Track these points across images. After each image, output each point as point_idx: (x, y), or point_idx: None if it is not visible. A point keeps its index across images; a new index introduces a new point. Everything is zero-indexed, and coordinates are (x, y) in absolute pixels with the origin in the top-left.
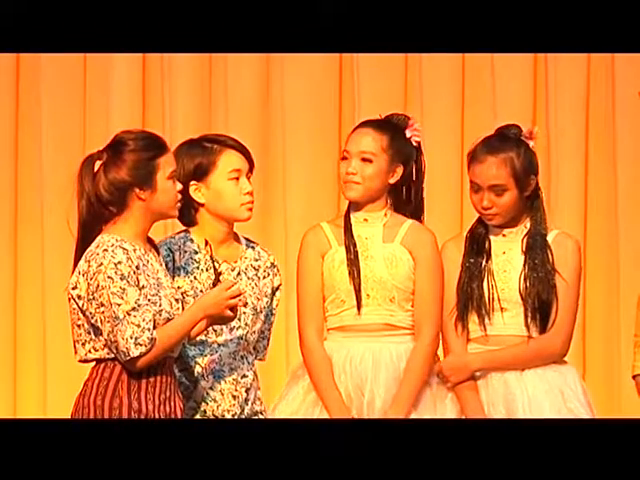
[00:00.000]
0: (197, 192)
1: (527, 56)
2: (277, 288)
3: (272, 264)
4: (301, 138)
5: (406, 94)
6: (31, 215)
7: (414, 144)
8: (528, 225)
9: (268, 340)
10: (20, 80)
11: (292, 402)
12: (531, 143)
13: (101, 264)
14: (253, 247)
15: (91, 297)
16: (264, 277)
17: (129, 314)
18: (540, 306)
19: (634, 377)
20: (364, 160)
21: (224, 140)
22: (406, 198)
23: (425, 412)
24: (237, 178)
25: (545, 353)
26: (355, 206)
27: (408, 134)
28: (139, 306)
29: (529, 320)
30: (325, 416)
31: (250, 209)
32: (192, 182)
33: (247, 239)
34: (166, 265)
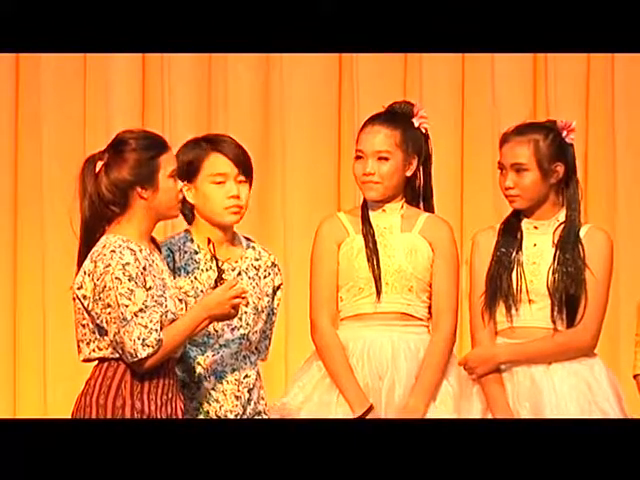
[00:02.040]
0: (188, 192)
1: (527, 56)
2: (278, 287)
3: (273, 263)
4: (301, 137)
5: (405, 94)
6: (31, 215)
7: (423, 131)
8: (560, 218)
9: (270, 340)
10: (20, 80)
11: (306, 386)
12: (564, 133)
13: (109, 265)
14: (254, 247)
15: (97, 298)
16: (265, 277)
17: (137, 315)
18: (568, 300)
19: (635, 377)
20: (380, 159)
21: (218, 142)
22: (415, 186)
23: (446, 411)
24: (222, 182)
25: (573, 347)
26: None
27: (416, 123)
28: (146, 307)
29: (556, 313)
30: (341, 401)
31: (235, 212)
32: (184, 182)
33: (247, 239)
34: (167, 265)
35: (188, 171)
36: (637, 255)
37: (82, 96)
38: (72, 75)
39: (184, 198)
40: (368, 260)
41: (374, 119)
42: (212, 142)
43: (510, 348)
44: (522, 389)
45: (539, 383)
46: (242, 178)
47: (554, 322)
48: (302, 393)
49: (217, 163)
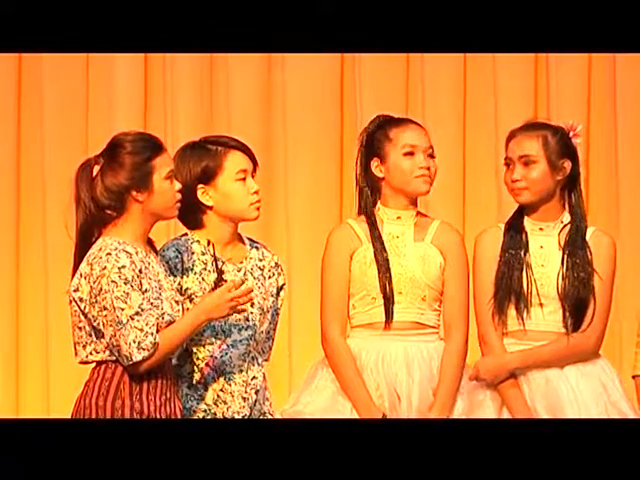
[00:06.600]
0: (205, 195)
1: (528, 56)
2: (281, 288)
3: (276, 264)
4: (303, 138)
5: (407, 94)
6: (33, 216)
7: None
8: (565, 220)
9: (273, 340)
10: (22, 80)
11: (319, 394)
12: (571, 133)
13: (105, 268)
14: (257, 247)
15: (94, 300)
16: (269, 277)
17: (132, 318)
18: (578, 305)
19: (634, 377)
20: (430, 156)
21: (227, 141)
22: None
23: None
24: (244, 178)
25: (580, 350)
26: (387, 202)
27: None
28: (142, 310)
29: (567, 318)
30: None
31: (258, 208)
32: (199, 185)
33: (250, 239)
34: (175, 266)
35: (203, 175)
36: (639, 256)
37: (84, 96)
38: (74, 75)
39: (194, 201)
40: (379, 270)
41: (407, 121)
42: (221, 142)
43: (520, 355)
44: (539, 389)
45: (555, 382)
46: (254, 173)
47: (566, 327)
48: (316, 401)
49: (238, 160)
